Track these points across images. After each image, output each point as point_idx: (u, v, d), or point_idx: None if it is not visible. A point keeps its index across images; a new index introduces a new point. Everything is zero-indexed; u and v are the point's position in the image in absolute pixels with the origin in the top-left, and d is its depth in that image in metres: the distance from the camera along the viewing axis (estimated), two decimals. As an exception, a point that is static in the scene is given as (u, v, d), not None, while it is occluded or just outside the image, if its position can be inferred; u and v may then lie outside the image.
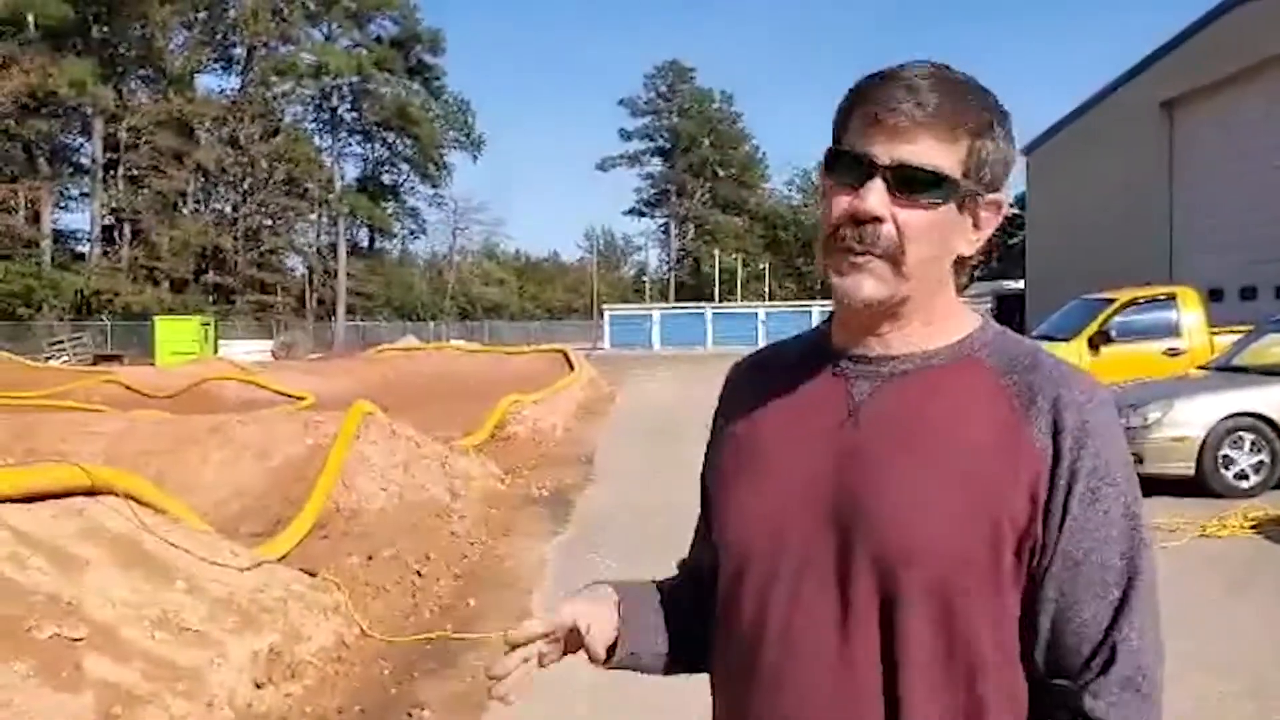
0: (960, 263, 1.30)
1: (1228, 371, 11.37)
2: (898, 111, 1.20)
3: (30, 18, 54.59)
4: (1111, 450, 1.22)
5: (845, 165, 1.24)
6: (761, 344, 1.69)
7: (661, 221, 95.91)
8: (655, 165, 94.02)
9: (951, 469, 1.20)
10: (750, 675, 1.28)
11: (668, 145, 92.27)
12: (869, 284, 1.22)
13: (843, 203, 1.23)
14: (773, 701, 1.26)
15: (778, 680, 1.25)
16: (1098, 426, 1.21)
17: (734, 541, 1.34)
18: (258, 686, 4.86)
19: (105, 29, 60.56)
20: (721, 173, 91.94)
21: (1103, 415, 1.23)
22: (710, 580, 1.40)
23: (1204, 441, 9.87)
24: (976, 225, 1.28)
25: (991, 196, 1.27)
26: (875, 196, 1.20)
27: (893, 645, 1.20)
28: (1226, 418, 9.95)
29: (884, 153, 1.20)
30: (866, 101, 1.23)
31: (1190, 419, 10.00)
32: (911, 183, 1.21)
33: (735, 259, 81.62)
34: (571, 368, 26.13)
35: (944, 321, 1.30)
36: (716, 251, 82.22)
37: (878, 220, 1.20)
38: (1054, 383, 1.23)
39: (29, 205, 58.48)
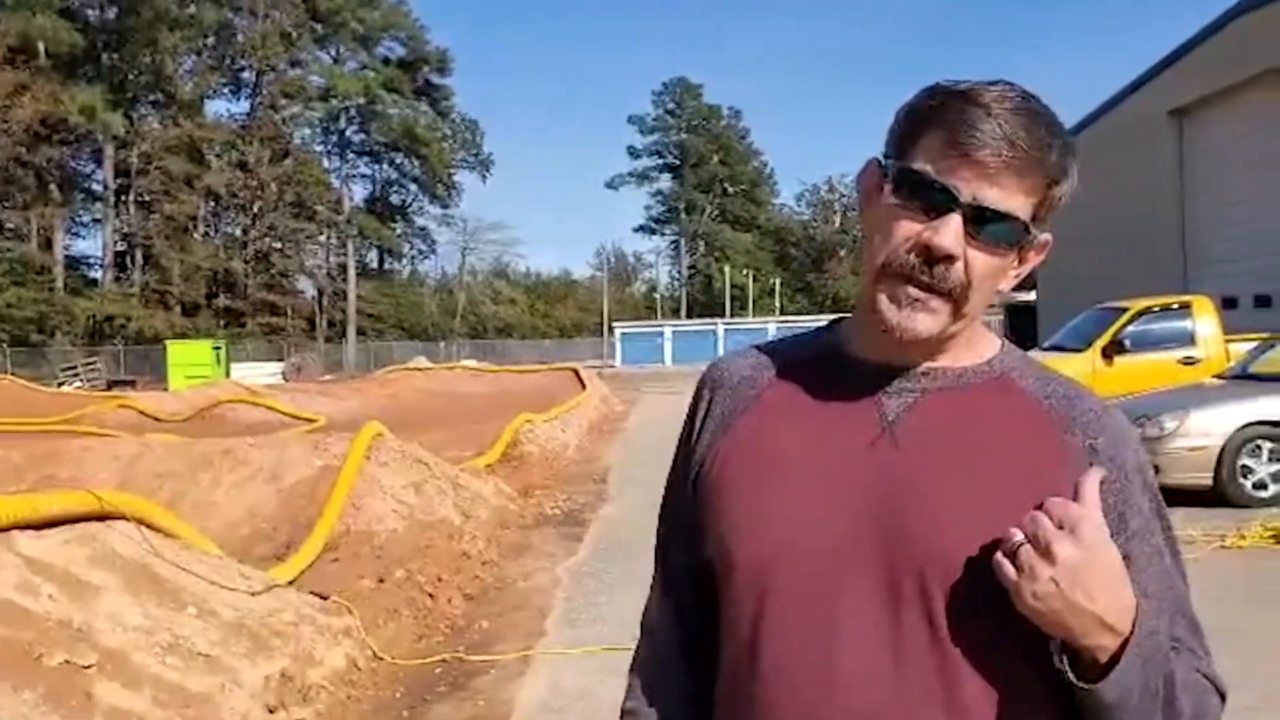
0: None
1: (1244, 380, 11.26)
2: (986, 148, 1.13)
3: (41, 46, 55.12)
4: (1142, 487, 1.22)
5: (919, 188, 1.17)
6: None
7: (671, 238, 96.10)
8: (664, 182, 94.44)
9: (997, 487, 1.16)
10: (779, 709, 1.19)
11: (677, 162, 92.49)
12: (926, 322, 1.17)
13: (912, 229, 1.16)
14: None
15: (819, 713, 1.17)
16: (1131, 463, 1.21)
17: (750, 558, 1.23)
18: (270, 711, 4.82)
19: (115, 56, 61.14)
20: (731, 188, 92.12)
21: (1137, 452, 1.24)
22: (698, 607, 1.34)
23: (1222, 451, 9.78)
24: (1020, 262, 1.23)
25: (1043, 237, 1.22)
26: (954, 234, 1.14)
27: (948, 660, 1.14)
28: (1244, 426, 9.84)
29: (966, 189, 1.14)
30: (948, 125, 1.15)
31: (1207, 428, 9.91)
32: (988, 225, 1.15)
33: (746, 275, 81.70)
34: (583, 386, 26.12)
35: (971, 341, 1.27)
36: (727, 268, 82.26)
37: (950, 259, 1.15)
38: (1091, 412, 1.23)
39: (41, 232, 58.98)
